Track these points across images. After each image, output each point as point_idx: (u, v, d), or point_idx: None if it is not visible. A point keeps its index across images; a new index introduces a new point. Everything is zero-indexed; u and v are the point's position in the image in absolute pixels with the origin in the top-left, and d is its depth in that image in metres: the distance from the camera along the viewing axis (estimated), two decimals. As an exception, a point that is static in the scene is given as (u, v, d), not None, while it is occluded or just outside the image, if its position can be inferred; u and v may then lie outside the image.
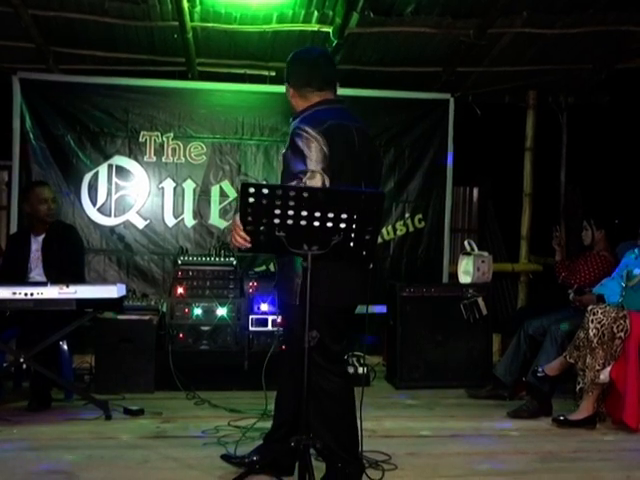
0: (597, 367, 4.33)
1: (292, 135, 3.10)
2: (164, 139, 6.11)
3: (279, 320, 4.99)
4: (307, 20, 5.35)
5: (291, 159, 3.07)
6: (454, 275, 6.17)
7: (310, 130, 3.05)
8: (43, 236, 5.06)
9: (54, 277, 4.63)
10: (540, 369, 4.64)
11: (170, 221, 6.14)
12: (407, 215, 6.45)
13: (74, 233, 5.34)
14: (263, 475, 3.34)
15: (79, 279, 4.89)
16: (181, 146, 6.14)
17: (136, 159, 6.09)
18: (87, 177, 6.01)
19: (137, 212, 6.09)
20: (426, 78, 6.38)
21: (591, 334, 4.34)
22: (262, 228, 2.81)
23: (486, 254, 5.86)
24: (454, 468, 3.62)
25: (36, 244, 5.05)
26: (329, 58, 3.49)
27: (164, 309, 5.39)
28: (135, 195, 6.09)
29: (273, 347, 4.70)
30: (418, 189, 6.46)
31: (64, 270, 4.86)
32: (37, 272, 5.00)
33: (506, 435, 4.29)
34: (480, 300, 5.56)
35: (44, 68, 6.04)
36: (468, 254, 5.86)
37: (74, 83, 5.98)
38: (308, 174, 2.97)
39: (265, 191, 2.76)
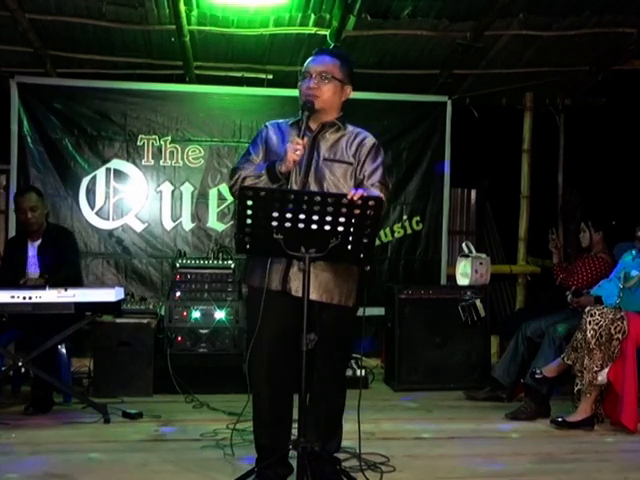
0: (595, 368, 4.33)
1: (379, 146, 3.29)
2: (162, 142, 6.12)
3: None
4: (304, 23, 5.36)
5: (384, 170, 3.23)
6: (452, 277, 6.18)
7: None
8: (39, 242, 5.04)
9: (51, 282, 4.57)
10: (538, 371, 4.64)
11: (168, 224, 6.14)
12: (405, 217, 6.45)
13: (68, 236, 5.29)
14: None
15: (75, 281, 4.86)
16: (179, 149, 6.14)
17: (134, 162, 6.10)
18: (85, 181, 6.02)
19: (135, 215, 6.10)
20: (423, 81, 6.38)
21: (589, 335, 4.35)
22: (261, 231, 2.82)
23: (484, 256, 5.87)
24: (453, 470, 3.62)
25: (32, 250, 5.04)
26: None
27: (162, 312, 5.38)
28: (133, 198, 6.10)
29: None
30: (416, 191, 6.47)
31: (60, 274, 4.84)
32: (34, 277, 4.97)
33: (504, 437, 4.30)
34: (478, 302, 5.56)
35: (42, 72, 6.05)
36: (466, 256, 5.87)
37: (72, 87, 6.00)
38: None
39: (263, 194, 2.78)
